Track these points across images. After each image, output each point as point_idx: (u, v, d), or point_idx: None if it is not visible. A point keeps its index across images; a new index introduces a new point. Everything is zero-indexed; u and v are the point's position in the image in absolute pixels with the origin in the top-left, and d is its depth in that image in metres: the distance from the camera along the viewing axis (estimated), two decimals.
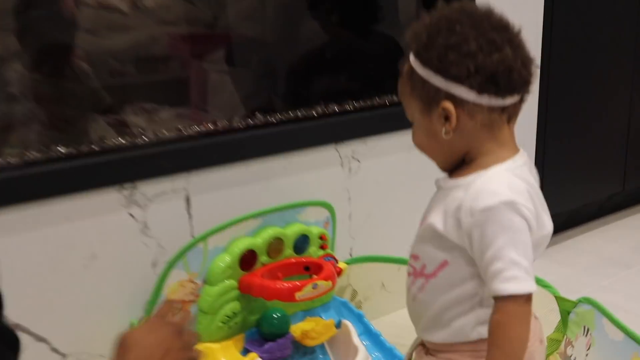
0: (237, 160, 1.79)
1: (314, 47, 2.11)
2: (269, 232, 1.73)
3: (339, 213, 1.93)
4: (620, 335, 1.53)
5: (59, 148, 1.59)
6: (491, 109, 1.07)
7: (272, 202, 1.79)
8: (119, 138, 1.68)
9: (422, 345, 1.20)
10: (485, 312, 1.08)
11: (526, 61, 1.08)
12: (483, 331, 1.08)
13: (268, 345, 1.69)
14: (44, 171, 1.53)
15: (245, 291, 1.69)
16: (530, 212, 1.05)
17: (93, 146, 1.64)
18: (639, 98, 2.83)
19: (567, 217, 2.80)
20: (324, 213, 1.86)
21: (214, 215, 1.73)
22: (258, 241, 1.71)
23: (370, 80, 2.16)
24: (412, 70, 1.11)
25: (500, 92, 1.06)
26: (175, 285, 1.66)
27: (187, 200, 1.73)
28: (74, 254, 1.59)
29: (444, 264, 1.12)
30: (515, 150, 1.14)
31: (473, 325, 1.11)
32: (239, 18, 2.05)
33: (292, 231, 1.77)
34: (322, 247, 1.82)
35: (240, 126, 1.86)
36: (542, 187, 2.51)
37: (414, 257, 1.17)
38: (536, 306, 1.74)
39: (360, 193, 2.03)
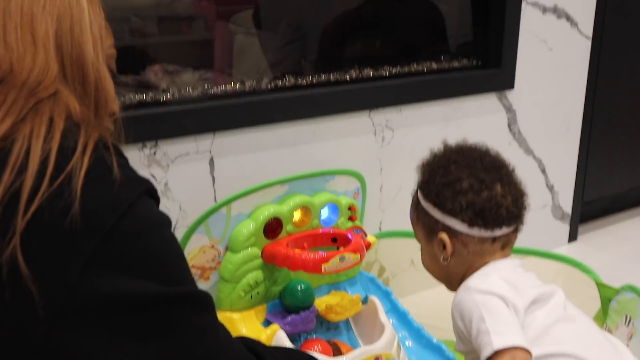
0: (264, 122, 1.78)
1: (349, 8, 2.10)
2: (296, 200, 1.72)
3: (370, 184, 1.91)
4: None
5: None
6: (482, 240, 1.27)
7: (300, 168, 1.79)
8: (142, 96, 1.68)
9: None
10: None
11: (516, 197, 1.28)
12: None
13: (291, 317, 1.69)
14: None
15: (269, 260, 1.68)
16: (500, 288, 1.20)
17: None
18: None
19: (611, 202, 2.82)
20: (353, 183, 1.84)
21: (238, 180, 1.73)
22: (284, 209, 1.70)
23: (407, 46, 2.16)
24: (418, 201, 1.33)
25: (489, 225, 1.25)
26: (196, 251, 1.66)
27: (211, 163, 1.73)
28: None
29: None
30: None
31: None
32: None
33: (319, 200, 1.75)
34: (351, 219, 1.81)
35: (269, 87, 1.85)
36: (586, 171, 2.50)
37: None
38: (576, 293, 1.75)
39: (392, 164, 2.02)
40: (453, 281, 1.32)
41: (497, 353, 1.12)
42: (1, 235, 0.73)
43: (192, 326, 0.84)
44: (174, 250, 0.87)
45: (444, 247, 1.28)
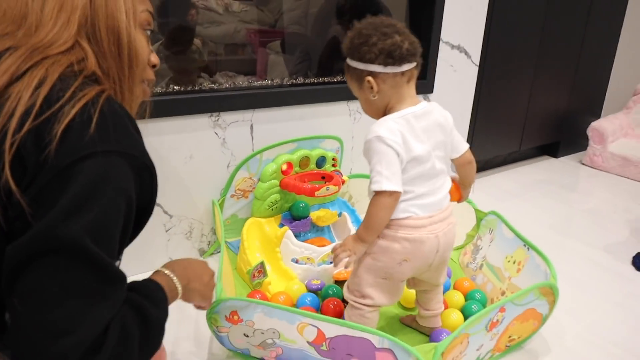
0: (284, 105, 1.77)
1: (335, 40, 2.08)
2: (301, 152, 1.74)
3: (346, 145, 1.93)
4: (511, 235, 1.55)
5: (177, 87, 1.60)
6: (394, 75, 1.11)
7: (304, 133, 1.79)
8: (212, 85, 1.68)
9: None
10: None
11: (411, 42, 1.12)
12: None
13: (295, 222, 1.73)
14: (168, 99, 1.52)
15: (283, 188, 1.71)
16: (393, 142, 1.08)
17: (196, 88, 1.64)
18: (536, 87, 2.85)
19: (485, 163, 2.83)
20: (336, 144, 1.86)
21: (267, 138, 1.74)
22: (294, 157, 1.72)
23: None
24: (347, 65, 1.16)
25: (397, 62, 1.10)
26: (241, 180, 1.69)
27: (251, 127, 1.72)
28: (180, 154, 1.59)
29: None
30: (411, 104, 1.15)
31: None
32: (289, 21, 2.02)
33: (315, 153, 1.77)
34: (334, 165, 1.83)
35: (288, 84, 1.85)
36: (472, 143, 2.51)
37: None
38: (462, 215, 1.80)
39: (359, 134, 2.01)
40: (380, 113, 1.16)
41: (384, 192, 1.08)
42: None
43: (77, 268, 0.64)
44: (106, 216, 0.66)
45: (371, 87, 1.12)
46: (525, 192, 2.59)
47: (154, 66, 0.87)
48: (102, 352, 0.63)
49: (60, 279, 0.62)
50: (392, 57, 1.10)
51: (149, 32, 0.84)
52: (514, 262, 1.51)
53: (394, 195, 1.09)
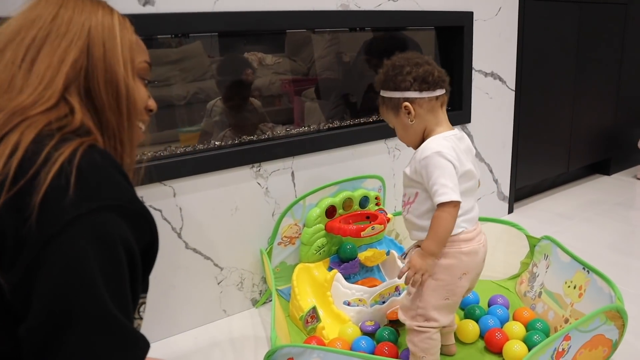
0: (323, 149, 1.79)
1: (368, 83, 2.10)
2: (344, 194, 1.74)
3: (388, 183, 1.93)
4: (568, 259, 1.51)
5: (217, 143, 1.64)
6: (429, 99, 1.19)
7: (345, 175, 1.79)
8: (252, 137, 1.71)
9: (416, 245, 1.27)
10: None
11: (439, 70, 1.21)
12: None
13: (344, 265, 1.71)
14: (210, 155, 1.56)
15: (329, 231, 1.71)
16: (452, 156, 1.15)
17: (237, 141, 1.68)
18: (578, 105, 2.79)
19: (532, 188, 2.77)
20: (378, 183, 1.85)
21: (309, 184, 1.76)
22: (337, 200, 1.72)
23: None
24: (382, 98, 1.24)
25: (431, 87, 1.19)
26: (286, 227, 1.70)
27: (292, 174, 1.74)
28: (225, 206, 1.62)
29: (417, 194, 1.22)
30: (448, 127, 1.23)
31: None
32: (322, 68, 2.06)
33: (358, 194, 1.77)
34: (377, 204, 1.82)
35: (325, 129, 1.87)
36: (517, 168, 2.47)
37: (403, 194, 1.28)
38: (513, 242, 1.77)
39: (400, 171, 1.99)
40: (418, 139, 1.23)
41: (451, 203, 1.12)
42: None
43: (70, 341, 0.61)
44: (92, 281, 0.61)
45: (409, 112, 1.19)
46: (579, 213, 2.52)
47: (150, 110, 0.86)
48: None
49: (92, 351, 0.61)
50: (427, 82, 1.18)
51: (146, 82, 0.84)
52: (575, 287, 1.46)
53: (458, 206, 1.15)
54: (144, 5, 1.38)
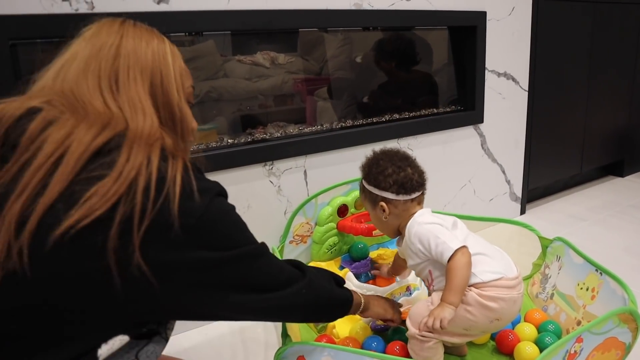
0: (335, 148, 1.80)
1: (381, 82, 2.11)
2: (356, 193, 1.73)
3: None
4: (580, 260, 1.50)
5: (230, 140, 1.66)
6: (405, 201, 1.25)
7: (358, 174, 1.70)
8: (265, 135, 1.73)
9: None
10: None
11: (420, 173, 1.27)
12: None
13: (355, 264, 1.71)
14: (224, 152, 1.57)
15: (341, 230, 1.71)
16: (433, 219, 1.21)
17: (250, 140, 1.69)
18: (591, 106, 2.77)
19: (544, 189, 2.76)
20: None
21: (321, 182, 1.76)
22: (349, 199, 1.73)
23: (415, 100, 2.15)
24: (364, 187, 1.30)
25: (408, 192, 1.24)
26: (298, 226, 1.70)
27: (305, 173, 1.76)
28: (238, 204, 1.54)
29: (430, 272, 1.23)
30: None
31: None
32: (334, 67, 2.06)
33: None
34: None
35: (337, 128, 1.88)
36: (529, 169, 2.43)
37: (422, 280, 1.32)
38: (526, 243, 1.75)
39: None
40: (393, 231, 1.30)
41: (455, 252, 1.13)
42: (124, 247, 0.66)
43: (255, 267, 0.80)
44: (237, 227, 0.79)
45: (383, 210, 1.25)
46: (593, 215, 2.50)
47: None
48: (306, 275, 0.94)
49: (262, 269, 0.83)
50: (404, 188, 1.24)
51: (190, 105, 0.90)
52: (587, 289, 1.44)
53: (464, 250, 1.15)
54: (158, 3, 1.39)
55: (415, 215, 1.24)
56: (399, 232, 1.29)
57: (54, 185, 0.66)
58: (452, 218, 1.27)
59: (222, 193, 0.79)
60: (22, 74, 1.26)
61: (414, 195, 1.25)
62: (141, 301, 0.70)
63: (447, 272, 1.15)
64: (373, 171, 1.27)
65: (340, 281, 1.11)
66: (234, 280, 0.78)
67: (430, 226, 1.19)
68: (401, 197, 1.24)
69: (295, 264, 0.97)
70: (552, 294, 1.58)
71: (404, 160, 1.26)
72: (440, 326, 1.14)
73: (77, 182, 0.67)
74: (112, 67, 0.77)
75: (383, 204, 1.25)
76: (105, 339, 0.72)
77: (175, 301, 0.73)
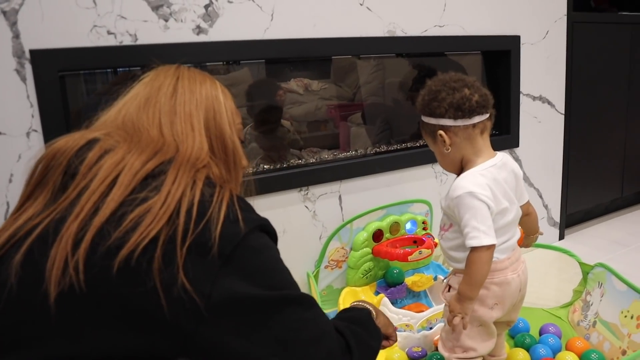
0: (370, 174, 1.80)
1: (413, 106, 2.13)
2: (391, 218, 1.75)
3: (435, 207, 1.91)
4: (624, 287, 1.47)
5: (266, 166, 1.68)
6: (465, 127, 1.13)
7: (393, 199, 1.80)
8: (300, 161, 1.75)
9: (453, 272, 1.24)
10: None
11: (481, 94, 1.13)
12: None
13: (390, 289, 1.71)
14: (260, 178, 1.58)
15: (376, 255, 1.71)
16: (486, 196, 1.09)
17: (285, 165, 1.71)
18: (631, 128, 2.72)
19: (584, 214, 2.71)
20: (425, 207, 1.86)
21: (356, 208, 1.76)
22: (384, 224, 1.73)
23: None
24: (421, 121, 1.19)
25: (466, 115, 1.11)
26: (333, 251, 1.71)
27: (340, 198, 1.76)
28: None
29: (451, 225, 1.19)
30: (489, 155, 1.16)
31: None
32: (367, 93, 2.08)
33: (405, 218, 1.78)
34: (424, 229, 1.82)
35: (372, 153, 1.89)
36: (567, 194, 2.39)
37: (441, 218, 1.23)
38: (566, 269, 1.73)
39: None
40: (457, 167, 1.18)
41: (483, 247, 1.07)
42: (167, 264, 0.66)
43: (299, 318, 0.75)
44: (276, 267, 0.76)
45: (444, 141, 1.13)
46: (635, 240, 2.43)
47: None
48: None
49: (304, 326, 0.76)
50: (462, 110, 1.12)
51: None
52: (632, 317, 1.41)
53: (492, 248, 1.09)
54: (197, 34, 1.44)
55: (474, 171, 1.13)
56: (462, 169, 1.17)
57: (107, 206, 0.69)
58: (508, 194, 1.17)
59: (265, 229, 0.78)
60: (68, 103, 1.33)
61: (475, 119, 1.12)
62: (184, 324, 0.68)
63: (468, 263, 1.11)
64: (426, 99, 1.15)
65: (372, 318, 1.00)
66: (278, 329, 0.73)
67: (476, 203, 1.08)
68: (460, 122, 1.12)
69: (337, 328, 0.85)
70: (595, 322, 1.54)
71: (459, 82, 1.14)
72: (463, 322, 1.13)
73: (128, 204, 0.70)
74: (170, 102, 0.84)
75: (442, 132, 1.13)
76: None
77: (216, 332, 0.70)
